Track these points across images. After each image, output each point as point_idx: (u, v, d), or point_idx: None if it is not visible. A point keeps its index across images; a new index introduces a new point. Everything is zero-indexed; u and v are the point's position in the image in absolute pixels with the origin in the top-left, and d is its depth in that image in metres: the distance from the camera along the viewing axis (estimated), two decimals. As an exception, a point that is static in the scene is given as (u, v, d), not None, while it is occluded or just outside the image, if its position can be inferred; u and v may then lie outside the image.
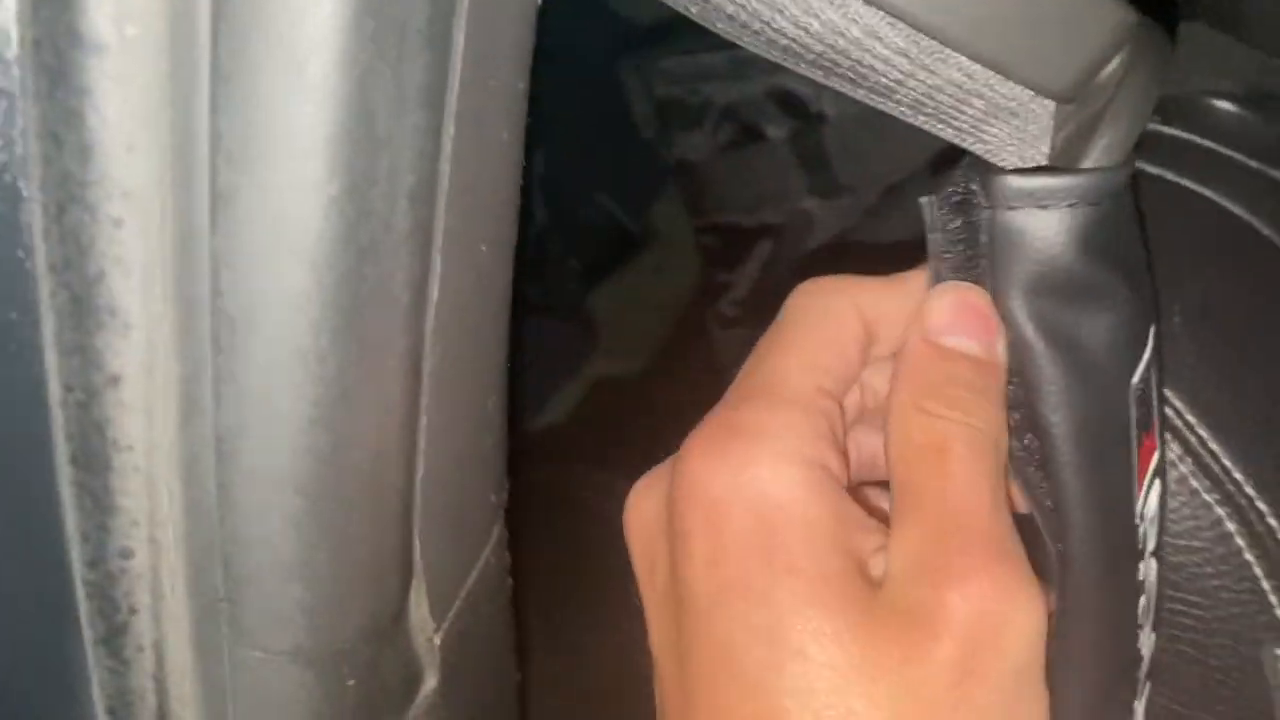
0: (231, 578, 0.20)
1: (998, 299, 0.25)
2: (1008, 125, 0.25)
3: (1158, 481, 0.32)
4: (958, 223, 0.26)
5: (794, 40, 0.22)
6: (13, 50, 0.16)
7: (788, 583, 0.22)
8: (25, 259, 0.18)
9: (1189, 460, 0.38)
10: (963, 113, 0.24)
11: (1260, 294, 0.42)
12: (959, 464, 0.23)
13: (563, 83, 0.84)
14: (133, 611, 0.21)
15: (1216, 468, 0.38)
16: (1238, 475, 0.38)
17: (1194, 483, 0.38)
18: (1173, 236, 0.42)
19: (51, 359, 0.18)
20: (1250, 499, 0.38)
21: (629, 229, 1.08)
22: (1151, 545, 0.32)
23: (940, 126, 0.24)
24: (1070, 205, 0.24)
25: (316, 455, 0.19)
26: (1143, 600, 0.31)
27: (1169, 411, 0.38)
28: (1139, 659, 0.31)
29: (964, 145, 0.25)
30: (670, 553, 0.23)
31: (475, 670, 0.29)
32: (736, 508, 0.22)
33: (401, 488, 0.22)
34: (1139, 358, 0.27)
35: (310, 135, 0.17)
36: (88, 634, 0.21)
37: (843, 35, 0.22)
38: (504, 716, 0.32)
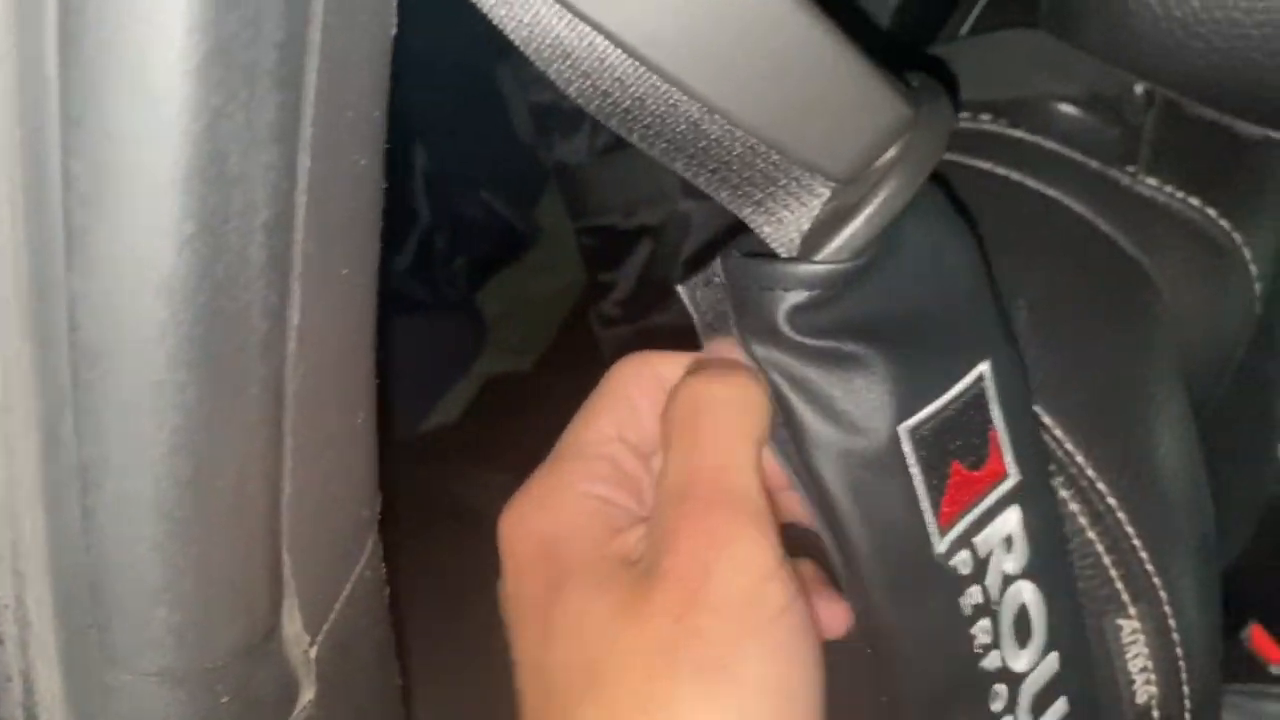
0: (99, 604, 0.21)
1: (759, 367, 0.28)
2: (789, 201, 0.27)
3: (1014, 509, 0.33)
4: (717, 298, 0.29)
5: (608, 92, 0.24)
6: None
7: (559, 599, 0.27)
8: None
9: (1037, 448, 0.40)
10: (749, 183, 0.26)
11: (1099, 287, 0.45)
12: (708, 431, 0.27)
13: (445, 85, 0.84)
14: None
15: (1060, 452, 0.40)
16: (1079, 459, 0.40)
17: (1040, 467, 0.40)
18: (1019, 234, 0.45)
19: (-95, 396, 0.19)
20: (1091, 480, 0.40)
21: (515, 226, 1.09)
22: (1009, 568, 0.33)
23: (723, 189, 0.26)
24: (802, 291, 0.27)
25: (178, 481, 0.20)
26: (986, 622, 0.32)
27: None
28: (988, 679, 0.33)
29: (743, 215, 0.27)
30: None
31: (354, 681, 0.29)
32: (529, 554, 0.28)
33: (267, 509, 0.22)
34: (918, 407, 0.29)
35: (163, 177, 0.17)
36: (-48, 666, 0.21)
37: (647, 97, 0.24)
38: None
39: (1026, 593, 0.34)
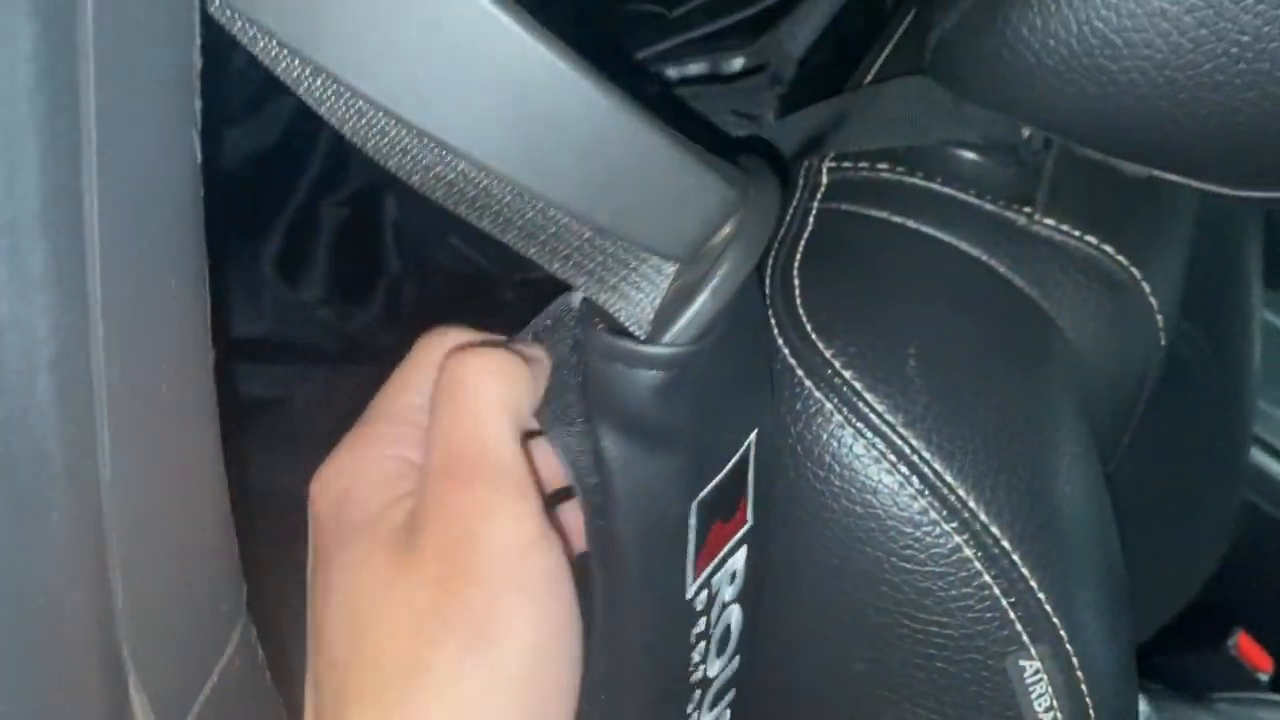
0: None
1: (591, 424, 0.30)
2: (639, 281, 0.29)
3: (743, 549, 0.36)
4: (568, 349, 0.31)
5: (452, 183, 0.25)
6: None
7: (341, 542, 0.29)
8: None
9: (927, 494, 0.41)
10: (600, 267, 0.28)
11: (994, 329, 0.45)
12: (467, 402, 0.29)
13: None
14: None
15: (953, 498, 0.41)
16: (972, 504, 0.41)
17: (933, 514, 0.41)
18: (908, 281, 0.45)
19: None
20: (984, 525, 0.41)
21: (480, 264, 1.10)
22: (728, 596, 0.36)
23: (577, 275, 0.28)
24: (645, 369, 0.29)
25: (-15, 609, 0.21)
26: (702, 645, 0.36)
27: (906, 449, 0.41)
28: (692, 688, 0.36)
29: (599, 298, 0.29)
30: None
31: (231, 764, 0.30)
32: (324, 513, 0.30)
33: (91, 618, 0.23)
34: (707, 481, 0.32)
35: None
36: None
37: (492, 189, 0.25)
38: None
39: (734, 615, 0.37)
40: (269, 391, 1.02)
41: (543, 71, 0.24)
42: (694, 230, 0.29)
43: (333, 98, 0.25)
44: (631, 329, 0.31)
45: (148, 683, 0.26)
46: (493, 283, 1.08)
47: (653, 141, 0.26)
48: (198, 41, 0.23)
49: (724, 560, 0.35)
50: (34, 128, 0.18)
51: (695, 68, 0.55)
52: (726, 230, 0.30)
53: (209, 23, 0.24)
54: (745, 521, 0.36)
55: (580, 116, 0.25)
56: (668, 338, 0.30)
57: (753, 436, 0.35)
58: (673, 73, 0.54)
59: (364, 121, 0.25)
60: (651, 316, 0.31)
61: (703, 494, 0.32)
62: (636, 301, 0.31)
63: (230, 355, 1.01)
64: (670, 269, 0.30)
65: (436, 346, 0.32)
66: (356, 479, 0.30)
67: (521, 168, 0.25)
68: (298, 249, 1.04)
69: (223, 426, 0.96)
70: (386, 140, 0.26)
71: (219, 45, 0.25)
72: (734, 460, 0.33)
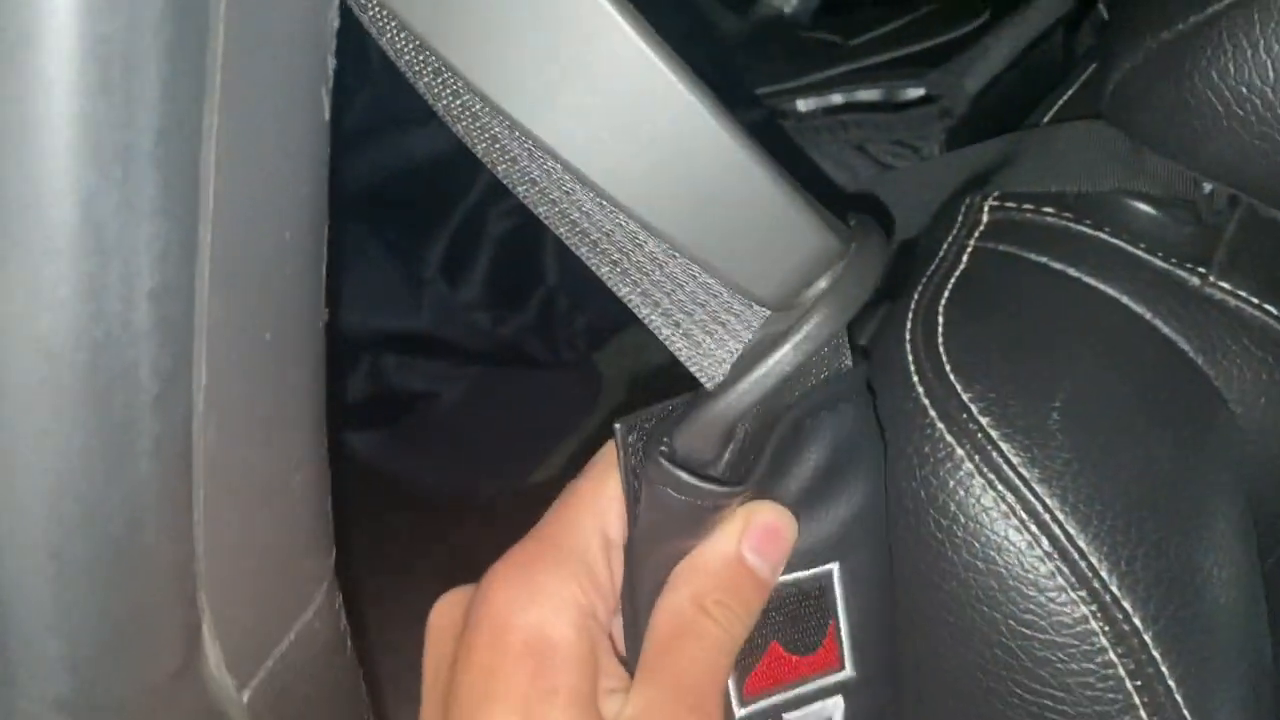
0: (1, 634, 0.22)
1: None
2: (717, 329, 0.28)
3: (838, 699, 0.35)
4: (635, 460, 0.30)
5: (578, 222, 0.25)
6: None
7: (546, 698, 0.27)
8: None
9: (1056, 557, 0.39)
10: (686, 313, 0.27)
11: (1149, 391, 0.42)
12: (702, 655, 0.29)
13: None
14: (-80, 658, 0.23)
15: (1084, 565, 0.38)
16: (1104, 573, 0.38)
17: (1060, 579, 0.39)
18: (1061, 331, 0.43)
19: None
20: (1116, 597, 0.38)
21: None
22: None
23: (665, 322, 0.28)
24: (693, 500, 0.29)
25: (65, 525, 0.21)
26: None
27: (1039, 507, 0.39)
28: None
29: (674, 345, 0.29)
30: (456, 657, 0.29)
31: (301, 726, 0.30)
32: (517, 634, 0.28)
33: (173, 558, 0.23)
34: None
35: (40, 246, 0.19)
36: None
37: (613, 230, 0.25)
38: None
39: None
40: (420, 386, 1.05)
41: (663, 91, 0.23)
42: (787, 276, 0.28)
43: (451, 93, 0.25)
44: (704, 382, 0.30)
45: (222, 630, 0.26)
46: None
47: (763, 180, 0.26)
48: (336, 1, 0.23)
49: (804, 700, 0.33)
50: (157, 58, 0.19)
51: (865, 95, 0.53)
52: (822, 284, 0.29)
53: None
54: (837, 666, 0.34)
55: (693, 142, 0.24)
56: (742, 386, 0.29)
57: (832, 568, 0.34)
58: (840, 99, 0.53)
59: (475, 121, 0.25)
60: (728, 369, 0.30)
61: None
62: (711, 351, 0.30)
63: (387, 347, 1.04)
64: (756, 320, 0.29)
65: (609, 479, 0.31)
66: (564, 619, 0.29)
67: (625, 187, 0.25)
68: (462, 252, 1.07)
69: (373, 415, 0.99)
70: (489, 136, 0.26)
71: None
72: (786, 579, 0.32)
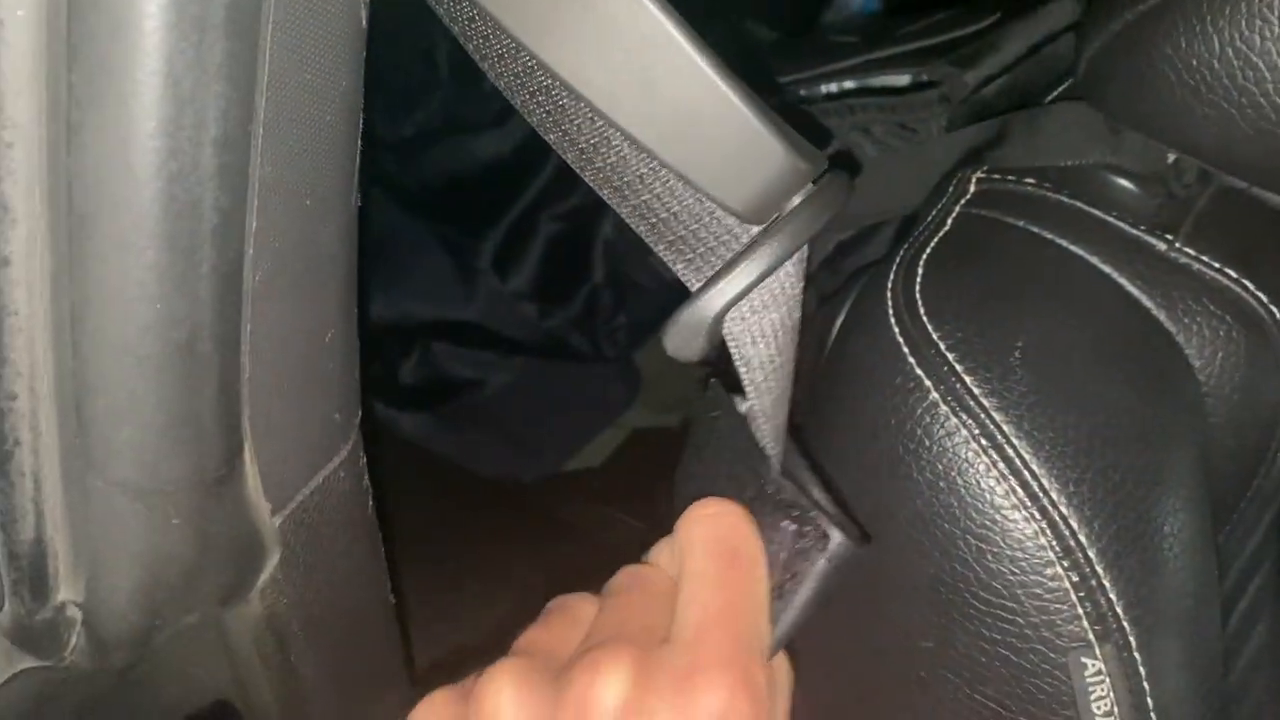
0: (81, 419, 0.28)
1: None
2: (708, 246, 0.32)
3: None
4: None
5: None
6: None
7: None
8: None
9: (1010, 478, 0.42)
10: (682, 237, 0.31)
11: (1110, 341, 0.46)
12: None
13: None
14: (17, 444, 0.28)
15: (1035, 484, 0.42)
16: (1054, 494, 0.42)
17: (1014, 498, 0.43)
18: (1030, 283, 0.47)
19: (-35, 242, 0.26)
20: (1063, 516, 0.42)
21: (676, 290, 1.15)
22: None
23: (672, 253, 0.32)
24: None
25: (139, 325, 0.27)
26: None
27: (997, 434, 0.43)
28: None
29: (681, 273, 0.32)
30: None
31: (322, 567, 0.35)
32: None
33: (221, 371, 0.29)
34: None
35: (129, 88, 0.24)
36: (-13, 459, 0.29)
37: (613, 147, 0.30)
38: (365, 630, 0.39)
39: None
40: (467, 373, 1.10)
41: (653, 30, 0.28)
42: (758, 189, 0.31)
43: (481, 32, 0.30)
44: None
45: (260, 456, 0.31)
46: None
47: (734, 103, 0.29)
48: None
49: None
50: (229, -54, 0.24)
51: (872, 81, 0.58)
52: (796, 201, 0.32)
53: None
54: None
55: (676, 72, 0.28)
56: (719, 286, 0.32)
57: None
58: (850, 84, 0.58)
59: (506, 61, 0.30)
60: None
61: None
62: (700, 267, 0.33)
63: (439, 335, 1.10)
64: (738, 241, 0.33)
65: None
66: None
67: (634, 119, 0.29)
68: (514, 248, 1.12)
69: (422, 398, 1.04)
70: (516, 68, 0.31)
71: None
72: None
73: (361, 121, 0.31)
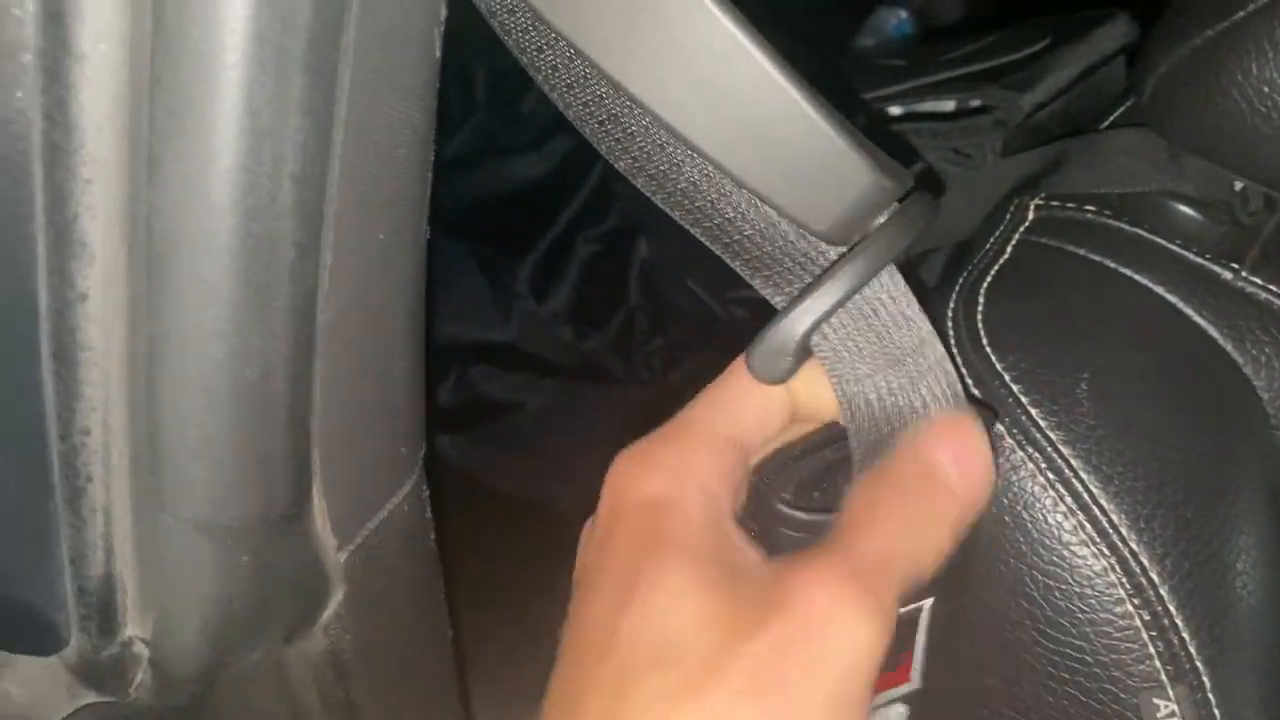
0: (154, 455, 0.27)
1: None
2: (795, 274, 0.31)
3: (901, 706, 0.37)
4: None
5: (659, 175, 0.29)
6: (29, 58, 0.24)
7: (655, 552, 0.27)
8: (28, 205, 0.26)
9: (1079, 513, 0.42)
10: (766, 257, 0.31)
11: (1178, 372, 0.45)
12: (917, 517, 0.29)
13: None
14: (89, 479, 0.28)
15: (1104, 520, 0.41)
16: (1124, 530, 0.41)
17: (1082, 534, 0.42)
18: (1094, 314, 0.46)
19: (41, 278, 0.26)
20: (1134, 551, 0.41)
21: (716, 314, 1.15)
22: None
23: (749, 271, 0.31)
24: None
25: (214, 362, 0.26)
26: None
27: (1065, 467, 0.42)
28: None
29: (760, 288, 0.32)
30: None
31: (385, 601, 0.35)
32: (634, 505, 0.28)
33: (293, 408, 0.28)
34: None
35: (212, 123, 0.24)
36: (58, 494, 0.28)
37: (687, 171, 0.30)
38: (424, 664, 0.38)
39: None
40: (504, 395, 1.10)
41: (732, 50, 0.27)
42: (843, 210, 0.30)
43: (551, 62, 0.29)
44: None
45: (329, 491, 0.31)
46: (720, 327, 1.14)
47: (818, 122, 0.29)
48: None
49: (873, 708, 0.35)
50: (312, -19, 0.24)
51: (925, 106, 0.57)
52: (880, 220, 0.31)
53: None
54: (906, 680, 0.36)
55: (757, 91, 0.28)
56: (805, 304, 0.31)
57: (927, 604, 0.35)
58: (901, 109, 0.57)
59: (577, 89, 0.30)
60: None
61: None
62: (784, 288, 0.33)
63: (477, 357, 1.10)
64: (826, 262, 0.32)
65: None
66: (683, 485, 0.28)
67: (717, 145, 0.29)
68: (551, 271, 1.13)
69: (460, 420, 1.04)
70: (588, 94, 0.30)
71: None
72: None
73: (433, 154, 0.31)
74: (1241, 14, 0.42)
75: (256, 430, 0.28)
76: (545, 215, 1.13)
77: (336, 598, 0.33)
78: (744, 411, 0.31)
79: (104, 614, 0.29)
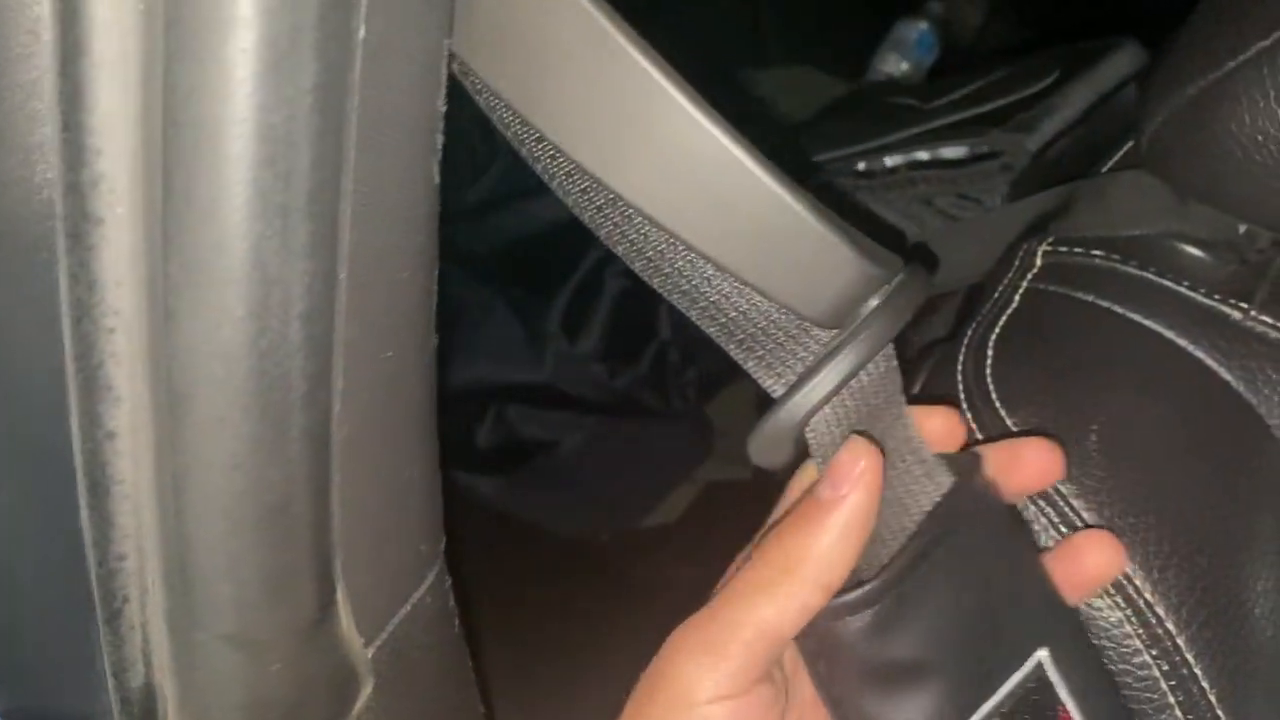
0: (185, 577, 0.29)
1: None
2: (784, 355, 0.32)
3: None
4: None
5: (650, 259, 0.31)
6: (54, 223, 0.26)
7: None
8: (58, 355, 0.27)
9: (1093, 566, 0.42)
10: (755, 340, 0.32)
11: (1190, 417, 0.46)
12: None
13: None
14: (126, 600, 0.30)
15: (1119, 575, 0.42)
16: (1138, 581, 0.42)
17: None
18: (1103, 362, 0.47)
19: (74, 419, 0.28)
20: (1149, 603, 0.42)
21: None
22: None
23: (744, 353, 0.33)
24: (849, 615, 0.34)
25: (235, 492, 0.28)
26: None
27: (1077, 521, 0.43)
28: None
29: (752, 370, 0.33)
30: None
31: (414, 689, 0.36)
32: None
33: (314, 527, 0.30)
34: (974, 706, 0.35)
35: (219, 275, 0.26)
36: (99, 614, 0.30)
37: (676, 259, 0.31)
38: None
39: None
40: (541, 435, 1.12)
41: (712, 149, 0.28)
42: (833, 296, 0.31)
43: (545, 156, 0.31)
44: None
45: (353, 595, 0.33)
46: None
47: (800, 215, 0.30)
48: (443, 90, 0.30)
49: None
50: (308, 140, 0.25)
51: (930, 154, 0.58)
52: (873, 303, 0.33)
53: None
54: None
55: (739, 188, 0.29)
56: (804, 390, 0.32)
57: (1042, 656, 0.36)
58: (898, 159, 0.58)
59: (570, 180, 0.31)
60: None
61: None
62: (781, 374, 0.34)
63: (512, 398, 1.11)
64: (816, 344, 0.33)
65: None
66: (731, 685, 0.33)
67: (702, 236, 0.30)
68: (582, 309, 1.14)
69: (498, 461, 1.06)
70: (582, 192, 0.32)
71: None
72: (1010, 685, 0.35)
73: (437, 273, 0.32)
74: (1231, 64, 0.43)
75: (280, 551, 0.29)
76: (573, 254, 1.14)
77: (366, 691, 0.34)
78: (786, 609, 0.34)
79: (147, 721, 0.31)
